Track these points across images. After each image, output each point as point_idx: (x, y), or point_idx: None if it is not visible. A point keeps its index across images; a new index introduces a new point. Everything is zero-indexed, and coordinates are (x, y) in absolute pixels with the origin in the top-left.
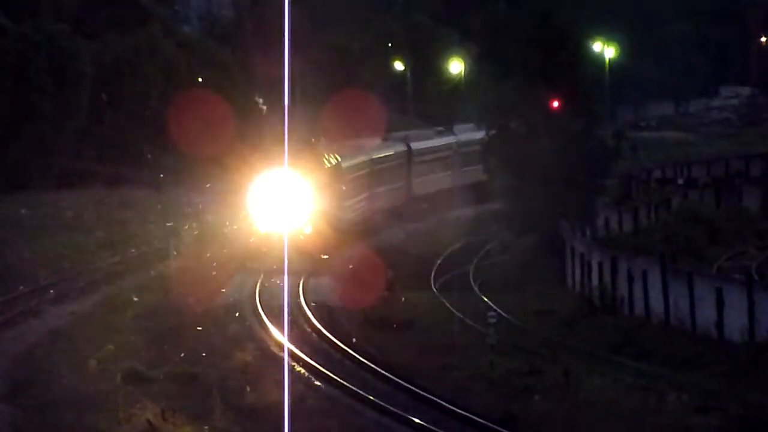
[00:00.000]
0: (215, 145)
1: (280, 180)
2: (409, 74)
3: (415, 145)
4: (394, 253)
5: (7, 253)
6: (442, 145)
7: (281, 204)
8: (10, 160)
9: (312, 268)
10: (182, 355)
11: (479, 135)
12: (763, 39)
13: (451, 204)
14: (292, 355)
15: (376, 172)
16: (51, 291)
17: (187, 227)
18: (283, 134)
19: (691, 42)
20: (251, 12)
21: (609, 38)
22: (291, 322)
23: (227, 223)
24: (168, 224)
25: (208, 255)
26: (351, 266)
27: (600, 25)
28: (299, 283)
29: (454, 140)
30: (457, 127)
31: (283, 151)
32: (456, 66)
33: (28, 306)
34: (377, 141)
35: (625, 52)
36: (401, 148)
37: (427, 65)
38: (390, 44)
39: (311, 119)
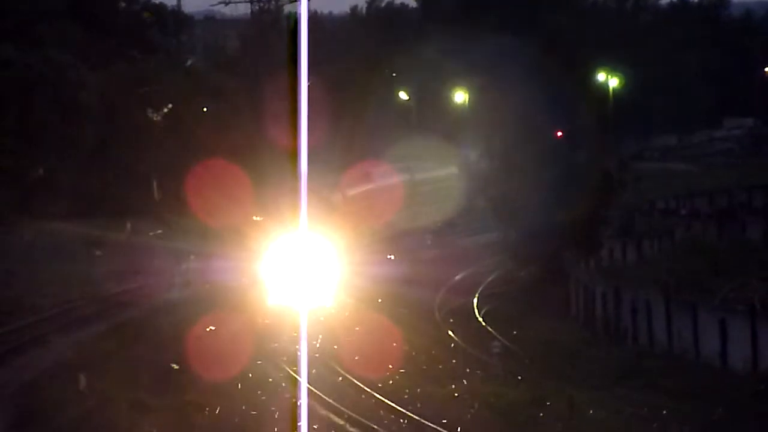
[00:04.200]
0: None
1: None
2: (413, 104)
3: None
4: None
5: (13, 282)
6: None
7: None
8: (16, 189)
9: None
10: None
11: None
12: (767, 70)
13: None
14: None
15: None
16: (57, 320)
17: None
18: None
19: (695, 73)
20: (257, 43)
21: (613, 68)
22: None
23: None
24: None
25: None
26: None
27: (604, 56)
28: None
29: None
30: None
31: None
32: (460, 96)
33: (34, 335)
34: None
35: (629, 82)
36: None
37: (431, 95)
38: (394, 74)
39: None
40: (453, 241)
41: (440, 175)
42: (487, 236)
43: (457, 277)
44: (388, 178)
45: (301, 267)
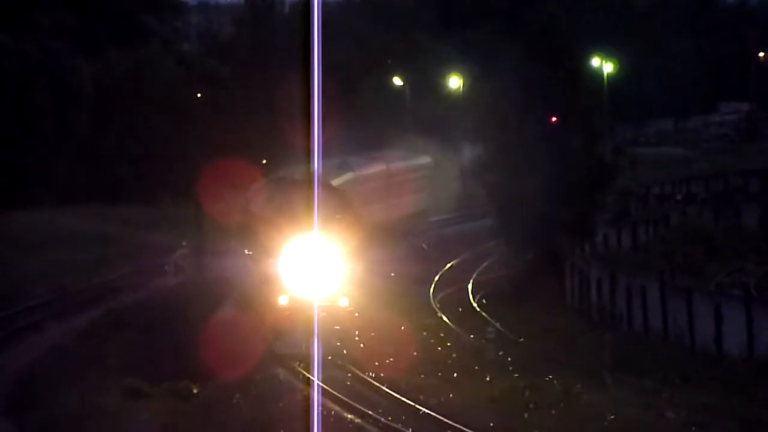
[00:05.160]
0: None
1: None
2: (407, 90)
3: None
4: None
5: (7, 269)
6: None
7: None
8: (9, 176)
9: None
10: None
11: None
12: (762, 55)
13: None
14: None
15: None
16: (51, 307)
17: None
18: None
19: (690, 58)
20: (251, 29)
21: (608, 54)
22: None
23: None
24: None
25: None
26: None
27: (599, 41)
28: None
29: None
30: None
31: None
32: (455, 81)
33: (29, 322)
34: None
35: (625, 67)
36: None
37: (425, 81)
38: (389, 61)
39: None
40: (443, 228)
41: (421, 164)
42: (477, 223)
43: (451, 264)
44: (367, 167)
45: (313, 265)
